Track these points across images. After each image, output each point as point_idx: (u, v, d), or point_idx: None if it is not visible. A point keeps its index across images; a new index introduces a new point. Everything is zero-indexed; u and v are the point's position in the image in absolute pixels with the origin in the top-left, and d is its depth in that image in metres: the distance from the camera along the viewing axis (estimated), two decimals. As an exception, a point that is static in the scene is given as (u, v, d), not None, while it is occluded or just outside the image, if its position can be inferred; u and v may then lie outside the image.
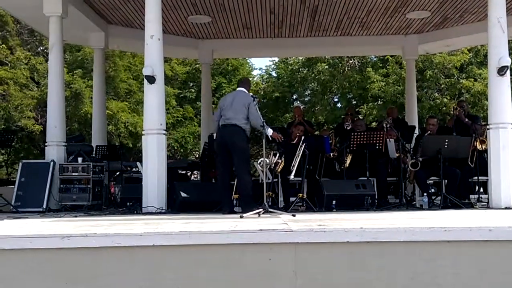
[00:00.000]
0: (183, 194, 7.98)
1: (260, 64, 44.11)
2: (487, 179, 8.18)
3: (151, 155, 7.82)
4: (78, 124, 18.55)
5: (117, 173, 10.98)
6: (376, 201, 8.21)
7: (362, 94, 20.17)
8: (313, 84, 21.57)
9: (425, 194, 8.42)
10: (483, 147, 8.65)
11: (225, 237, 4.09)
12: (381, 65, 20.02)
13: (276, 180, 8.75)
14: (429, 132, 8.91)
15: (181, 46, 12.92)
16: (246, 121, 7.43)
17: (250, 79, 23.42)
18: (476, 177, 8.62)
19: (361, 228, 4.17)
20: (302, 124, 9.63)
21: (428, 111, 17.60)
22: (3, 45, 17.72)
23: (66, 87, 11.48)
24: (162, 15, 8.20)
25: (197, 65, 17.72)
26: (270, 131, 7.49)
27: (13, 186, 9.11)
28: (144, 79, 7.98)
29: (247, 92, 7.79)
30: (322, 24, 11.83)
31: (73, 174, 8.73)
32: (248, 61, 24.37)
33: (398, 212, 7.33)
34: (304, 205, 8.10)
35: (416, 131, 11.18)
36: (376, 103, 19.67)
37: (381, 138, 8.64)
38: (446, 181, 8.35)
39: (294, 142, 8.67)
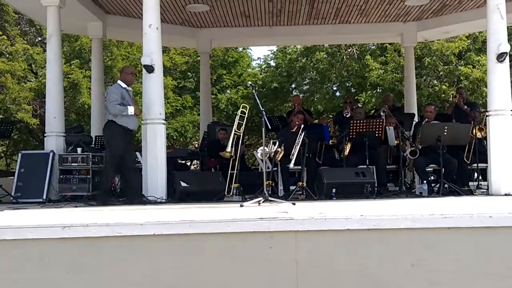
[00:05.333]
0: (182, 184, 7.98)
1: (259, 54, 44.21)
2: (487, 166, 8.19)
3: (150, 145, 7.82)
4: (76, 115, 18.51)
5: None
6: (375, 189, 8.22)
7: (361, 83, 20.13)
8: (311, 73, 21.52)
9: (424, 181, 8.42)
10: (482, 134, 8.66)
11: (226, 225, 4.09)
12: (379, 53, 19.96)
13: (276, 168, 8.75)
14: (427, 119, 8.91)
15: (180, 35, 12.88)
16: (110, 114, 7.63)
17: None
18: (475, 164, 8.64)
19: (362, 215, 4.18)
20: (301, 113, 9.62)
21: (427, 99, 17.57)
22: (4, 36, 17.64)
23: (63, 77, 11.43)
24: (160, 4, 8.16)
25: (198, 58, 17.67)
26: (131, 110, 7.59)
27: (12, 177, 9.10)
28: (143, 68, 7.96)
29: (118, 83, 7.84)
30: (320, 11, 11.79)
31: (73, 164, 8.72)
32: (248, 52, 24.32)
33: (398, 200, 7.34)
34: (304, 193, 8.12)
35: (416, 118, 11.18)
36: (375, 91, 19.63)
37: (380, 126, 8.64)
38: (445, 168, 8.36)
39: (294, 130, 8.67)
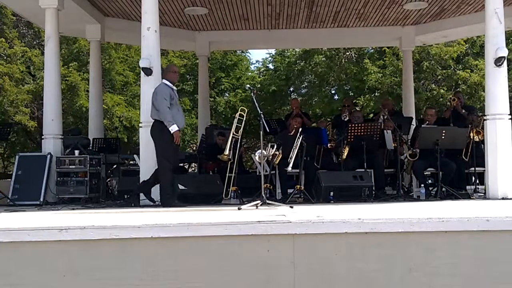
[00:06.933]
0: (180, 187, 7.97)
1: (257, 57, 44.00)
2: (484, 170, 8.20)
3: (148, 148, 7.80)
4: (73, 117, 18.49)
5: (114, 166, 10.97)
6: (373, 192, 8.21)
7: (359, 86, 20.15)
8: (310, 76, 21.55)
9: (422, 185, 8.43)
10: (479, 137, 8.66)
11: (223, 228, 4.08)
12: (378, 56, 19.99)
13: (274, 172, 8.75)
14: (427, 122, 8.92)
15: (178, 38, 12.88)
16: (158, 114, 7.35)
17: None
18: (472, 168, 8.64)
19: (359, 219, 4.16)
20: (299, 116, 9.62)
21: (425, 103, 17.60)
22: (2, 39, 17.63)
23: (61, 80, 11.43)
24: (158, 7, 8.16)
25: (196, 61, 17.71)
26: (173, 128, 7.27)
27: (9, 179, 9.08)
28: (141, 71, 7.96)
29: (164, 82, 7.54)
30: (319, 15, 11.81)
31: (70, 167, 8.71)
32: (247, 56, 24.39)
33: (396, 203, 7.34)
34: (302, 196, 8.11)
35: (414, 122, 11.18)
36: (373, 95, 19.66)
37: (378, 130, 8.64)
38: (443, 172, 8.37)
39: (292, 134, 8.67)
